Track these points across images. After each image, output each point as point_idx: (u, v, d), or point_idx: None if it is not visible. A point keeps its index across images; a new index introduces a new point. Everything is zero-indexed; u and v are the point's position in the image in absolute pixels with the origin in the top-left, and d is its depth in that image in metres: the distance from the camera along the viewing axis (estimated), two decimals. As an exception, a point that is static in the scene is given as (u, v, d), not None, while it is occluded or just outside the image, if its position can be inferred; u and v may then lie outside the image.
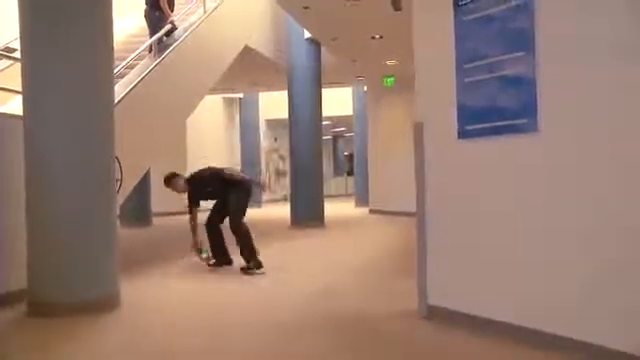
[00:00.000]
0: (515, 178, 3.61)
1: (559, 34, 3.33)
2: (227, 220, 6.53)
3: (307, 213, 11.95)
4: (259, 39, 11.64)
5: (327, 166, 25.82)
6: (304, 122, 12.07)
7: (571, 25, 3.27)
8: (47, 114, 4.56)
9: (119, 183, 5.57)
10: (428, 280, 4.18)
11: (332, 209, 14.29)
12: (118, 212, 5.25)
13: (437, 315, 4.07)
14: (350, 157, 26.59)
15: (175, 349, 3.70)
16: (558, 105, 3.32)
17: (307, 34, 11.54)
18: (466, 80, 3.86)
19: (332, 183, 27.71)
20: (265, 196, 19.65)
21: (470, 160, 3.91)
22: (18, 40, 4.89)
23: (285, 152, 20.33)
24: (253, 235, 6.40)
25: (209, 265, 6.62)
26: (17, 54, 5.91)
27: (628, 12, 3.00)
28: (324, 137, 14.43)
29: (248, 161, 18.79)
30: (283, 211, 12.30)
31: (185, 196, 6.78)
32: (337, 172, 31.25)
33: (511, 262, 3.62)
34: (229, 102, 19.51)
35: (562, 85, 3.31)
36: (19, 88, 4.94)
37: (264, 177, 20.59)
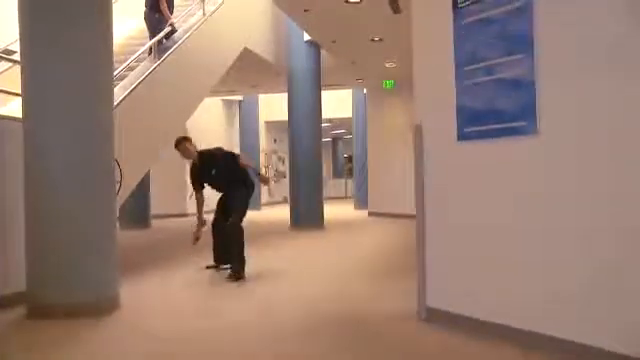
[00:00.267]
0: (514, 180, 3.61)
1: (558, 37, 3.33)
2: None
3: (307, 215, 11.97)
4: (259, 41, 11.66)
5: (326, 168, 25.84)
6: (304, 124, 12.09)
7: (570, 28, 3.28)
8: (47, 115, 4.57)
9: (119, 185, 5.58)
10: (427, 282, 4.19)
11: (331, 211, 14.31)
12: (117, 214, 5.24)
13: (436, 317, 4.08)
14: (349, 159, 26.60)
15: (175, 351, 3.70)
16: (557, 107, 3.33)
17: (307, 36, 11.56)
18: (465, 83, 3.87)
19: (331, 185, 27.74)
20: (264, 198, 19.66)
21: (469, 162, 3.91)
22: (17, 42, 4.90)
23: (284, 154, 20.37)
24: (246, 243, 6.20)
25: (207, 267, 6.62)
26: (16, 56, 5.92)
27: (627, 13, 3.01)
28: (323, 139, 14.45)
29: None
30: (283, 213, 12.30)
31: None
32: (336, 174, 31.26)
33: (510, 264, 3.62)
34: (229, 104, 19.53)
35: (561, 88, 3.32)
36: (18, 90, 4.95)
37: (265, 172, 20.60)
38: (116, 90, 5.89)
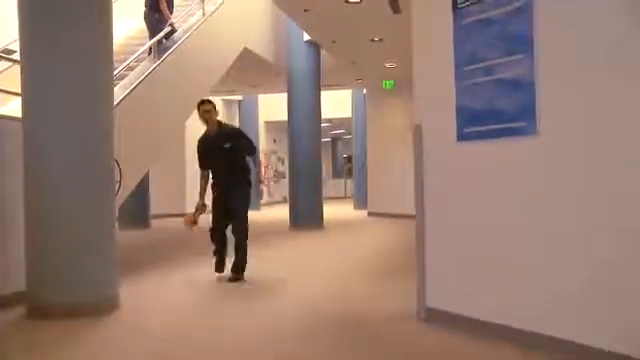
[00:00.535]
0: (514, 180, 3.61)
1: (558, 37, 3.33)
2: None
3: (306, 215, 11.98)
4: (258, 41, 11.66)
5: (326, 168, 25.84)
6: (303, 124, 12.10)
7: (570, 28, 3.28)
8: (46, 115, 4.56)
9: (118, 185, 5.58)
10: (427, 282, 4.19)
11: (331, 211, 14.31)
12: (117, 214, 5.25)
13: (436, 317, 4.08)
14: (349, 159, 26.62)
15: (175, 351, 3.70)
16: (557, 108, 3.33)
17: (306, 36, 11.56)
18: (465, 83, 3.87)
19: (331, 185, 27.74)
20: (264, 198, 19.66)
21: (469, 162, 3.91)
22: (16, 42, 4.90)
23: (284, 154, 20.37)
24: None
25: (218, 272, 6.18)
26: (15, 56, 5.92)
27: (627, 13, 3.01)
28: (323, 139, 14.45)
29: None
30: (282, 213, 12.30)
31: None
32: (336, 174, 31.27)
33: (510, 264, 3.62)
34: (228, 104, 19.53)
35: (561, 88, 3.32)
36: (17, 90, 4.95)
37: (264, 172, 20.63)
38: (116, 90, 5.89)
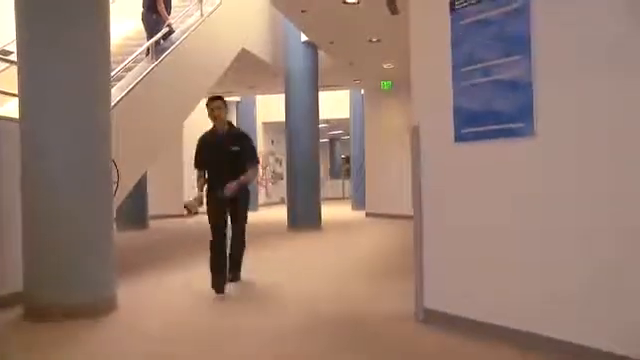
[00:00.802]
0: (512, 181, 3.61)
1: (555, 38, 3.34)
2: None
3: (304, 216, 11.98)
4: (256, 42, 11.66)
5: (324, 169, 25.83)
6: (301, 125, 12.10)
7: (567, 29, 3.28)
8: (44, 116, 4.56)
9: (116, 186, 5.57)
10: (425, 283, 4.19)
11: (329, 212, 14.31)
12: (115, 215, 5.24)
13: (434, 318, 4.08)
14: (347, 160, 26.62)
15: (174, 351, 3.70)
16: (554, 109, 3.33)
17: (304, 37, 11.56)
18: (463, 84, 3.87)
19: (329, 186, 27.74)
20: (262, 199, 19.65)
21: (467, 163, 3.91)
22: (13, 43, 4.89)
23: (282, 155, 20.36)
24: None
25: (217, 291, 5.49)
26: (12, 57, 5.91)
27: (627, 13, 3.01)
28: (321, 140, 14.45)
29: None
30: (280, 214, 12.30)
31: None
32: (334, 175, 31.26)
33: (508, 265, 3.62)
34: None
35: (558, 89, 3.32)
36: (14, 91, 4.94)
37: (262, 173, 20.66)
38: (113, 91, 5.89)
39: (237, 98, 19.07)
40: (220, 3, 9.71)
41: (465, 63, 3.85)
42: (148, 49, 7.79)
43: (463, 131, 3.88)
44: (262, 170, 21.20)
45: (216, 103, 5.59)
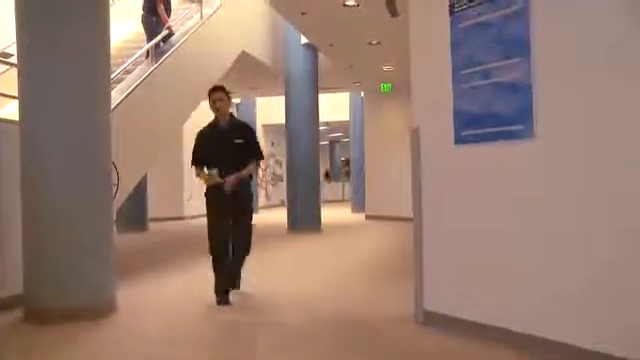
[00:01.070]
0: (512, 183, 3.62)
1: (555, 40, 3.34)
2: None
3: (304, 218, 11.98)
4: (256, 44, 11.67)
5: (324, 171, 25.82)
6: (301, 127, 12.11)
7: (567, 31, 3.29)
8: (44, 117, 4.56)
9: (115, 188, 5.57)
10: (425, 285, 4.19)
11: (329, 214, 14.30)
12: (114, 217, 5.23)
13: (434, 320, 4.08)
14: (347, 162, 26.62)
15: (173, 353, 3.70)
16: (554, 111, 3.34)
17: (304, 39, 11.57)
18: (462, 86, 3.87)
19: (328, 188, 27.72)
20: (262, 201, 19.64)
21: (466, 166, 3.92)
22: (13, 46, 4.90)
23: (282, 157, 20.36)
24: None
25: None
26: (12, 59, 5.92)
27: (627, 13, 3.01)
28: (321, 142, 14.45)
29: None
30: (280, 216, 12.30)
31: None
32: (334, 177, 31.26)
33: (508, 267, 3.62)
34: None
35: (558, 91, 3.33)
36: (13, 93, 4.94)
37: (262, 175, 20.69)
38: (113, 93, 5.89)
39: (237, 100, 19.08)
40: (220, 5, 9.72)
41: (465, 65, 3.85)
42: (148, 51, 7.79)
43: (463, 133, 3.89)
44: (262, 172, 21.20)
45: (218, 94, 5.20)
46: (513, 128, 3.54)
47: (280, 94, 13.40)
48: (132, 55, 7.47)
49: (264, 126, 21.82)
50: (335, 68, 12.52)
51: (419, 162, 4.24)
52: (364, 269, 7.03)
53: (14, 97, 5.09)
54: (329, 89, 15.16)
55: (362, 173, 16.35)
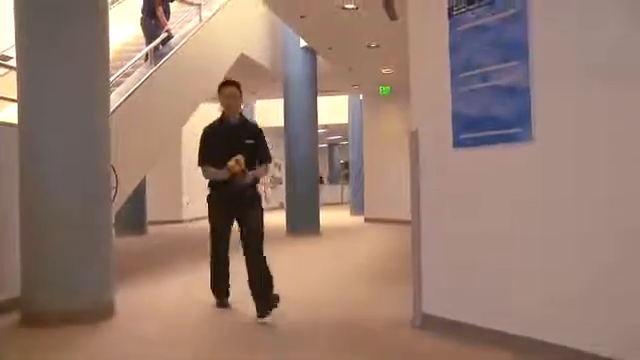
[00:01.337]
0: (510, 187, 3.62)
1: (553, 43, 3.35)
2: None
3: (303, 221, 11.97)
4: (255, 47, 11.68)
5: (322, 174, 25.82)
6: (300, 130, 12.10)
7: (565, 34, 3.29)
8: (43, 119, 4.56)
9: (114, 191, 5.57)
10: (423, 289, 4.19)
11: (327, 217, 14.30)
12: (113, 220, 5.23)
13: (432, 324, 4.07)
14: (346, 165, 26.62)
15: (172, 356, 3.70)
16: (553, 114, 3.34)
17: (303, 42, 11.58)
18: (461, 89, 3.88)
19: (327, 191, 27.71)
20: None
21: (465, 169, 3.92)
22: (12, 48, 4.90)
23: (281, 160, 20.36)
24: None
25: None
26: (11, 62, 5.92)
27: (629, 12, 3.01)
28: (320, 145, 14.45)
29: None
30: (279, 219, 12.29)
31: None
32: (332, 180, 31.26)
33: (507, 270, 3.62)
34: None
35: (556, 94, 3.33)
36: (12, 96, 4.94)
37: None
38: (112, 96, 5.89)
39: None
40: (219, 8, 9.73)
41: (463, 69, 3.86)
42: (147, 54, 7.80)
43: (462, 136, 3.89)
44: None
45: (230, 90, 4.87)
46: (512, 131, 3.55)
47: (279, 97, 13.40)
48: (131, 58, 7.47)
49: (263, 129, 21.79)
50: (334, 71, 12.53)
51: (418, 165, 4.24)
52: (363, 272, 7.03)
53: (12, 100, 5.09)
54: (328, 92, 15.16)
55: (361, 176, 16.34)
